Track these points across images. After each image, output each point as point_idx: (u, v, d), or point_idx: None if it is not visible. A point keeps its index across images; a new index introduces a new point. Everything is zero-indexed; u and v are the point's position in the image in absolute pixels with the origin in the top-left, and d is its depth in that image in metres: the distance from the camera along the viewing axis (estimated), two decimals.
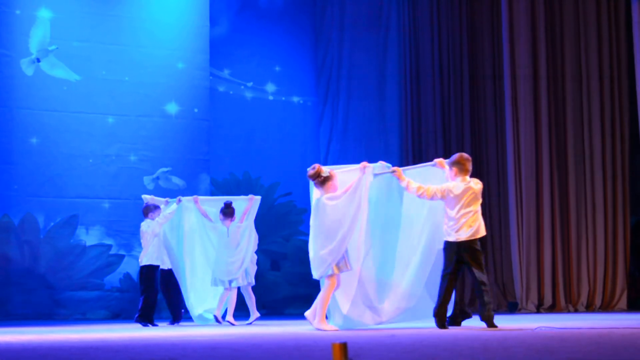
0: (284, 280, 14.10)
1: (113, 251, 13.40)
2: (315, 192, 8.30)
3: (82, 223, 13.37)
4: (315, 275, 8.15)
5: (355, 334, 6.84)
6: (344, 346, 3.63)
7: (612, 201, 13.75)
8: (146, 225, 10.53)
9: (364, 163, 8.28)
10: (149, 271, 10.48)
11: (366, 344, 5.38)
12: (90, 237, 13.41)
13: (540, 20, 13.96)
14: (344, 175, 8.34)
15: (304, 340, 6.09)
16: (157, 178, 13.80)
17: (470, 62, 15.32)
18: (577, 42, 14.07)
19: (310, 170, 8.15)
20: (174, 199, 11.03)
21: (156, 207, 10.70)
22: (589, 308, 13.40)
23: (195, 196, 11.19)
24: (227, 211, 10.81)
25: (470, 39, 15.36)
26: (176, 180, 13.90)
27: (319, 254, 8.01)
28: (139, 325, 10.22)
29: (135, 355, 4.85)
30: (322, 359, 4.31)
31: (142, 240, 10.58)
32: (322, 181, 8.11)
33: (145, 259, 10.45)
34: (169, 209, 10.80)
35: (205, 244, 10.95)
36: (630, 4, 13.11)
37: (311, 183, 8.38)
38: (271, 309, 13.40)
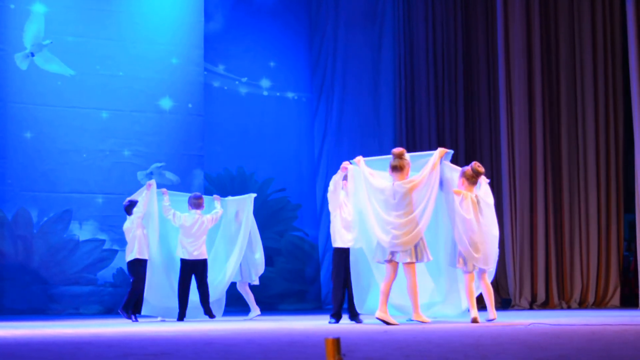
0: (277, 276, 14.06)
1: (106, 246, 13.37)
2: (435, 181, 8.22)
3: (76, 218, 13.34)
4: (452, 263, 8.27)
5: (349, 330, 6.84)
6: (337, 341, 3.63)
7: (605, 198, 13.76)
8: (205, 218, 10.46)
9: (475, 166, 8.54)
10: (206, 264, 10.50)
11: (359, 340, 5.39)
12: (83, 232, 13.38)
13: (535, 14, 13.94)
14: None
15: (297, 336, 6.09)
16: (151, 173, 13.77)
17: (465, 57, 15.35)
18: (571, 35, 14.05)
19: (480, 168, 8.41)
20: (214, 196, 11.05)
21: None
22: (582, 305, 13.42)
23: (251, 194, 11.21)
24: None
25: (465, 35, 15.38)
26: (170, 175, 13.88)
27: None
28: (206, 318, 10.30)
29: (128, 350, 4.85)
30: (315, 354, 4.32)
31: (195, 232, 10.37)
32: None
33: (199, 252, 10.40)
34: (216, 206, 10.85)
35: (252, 240, 11.06)
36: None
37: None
38: (265, 304, 13.38)
